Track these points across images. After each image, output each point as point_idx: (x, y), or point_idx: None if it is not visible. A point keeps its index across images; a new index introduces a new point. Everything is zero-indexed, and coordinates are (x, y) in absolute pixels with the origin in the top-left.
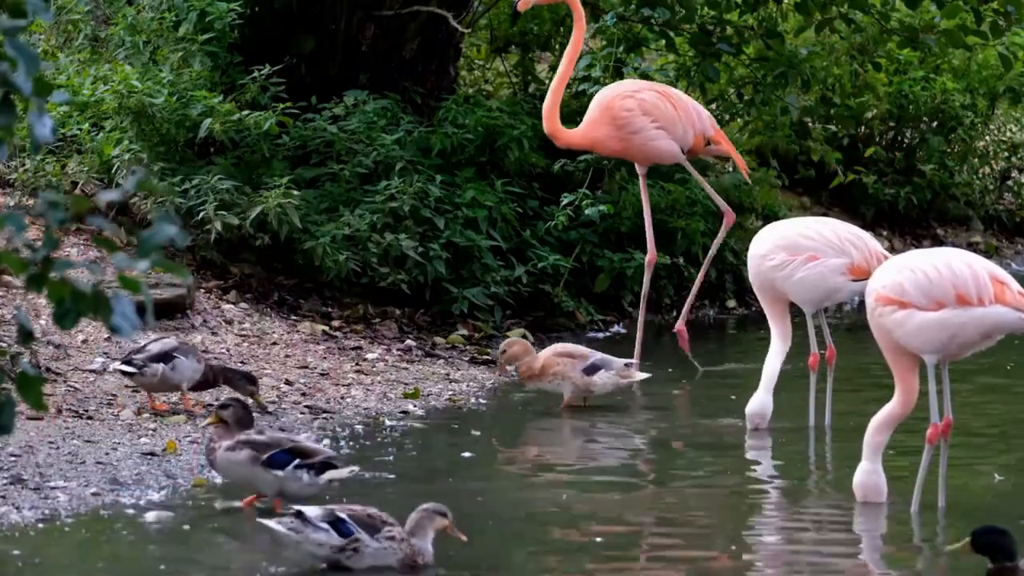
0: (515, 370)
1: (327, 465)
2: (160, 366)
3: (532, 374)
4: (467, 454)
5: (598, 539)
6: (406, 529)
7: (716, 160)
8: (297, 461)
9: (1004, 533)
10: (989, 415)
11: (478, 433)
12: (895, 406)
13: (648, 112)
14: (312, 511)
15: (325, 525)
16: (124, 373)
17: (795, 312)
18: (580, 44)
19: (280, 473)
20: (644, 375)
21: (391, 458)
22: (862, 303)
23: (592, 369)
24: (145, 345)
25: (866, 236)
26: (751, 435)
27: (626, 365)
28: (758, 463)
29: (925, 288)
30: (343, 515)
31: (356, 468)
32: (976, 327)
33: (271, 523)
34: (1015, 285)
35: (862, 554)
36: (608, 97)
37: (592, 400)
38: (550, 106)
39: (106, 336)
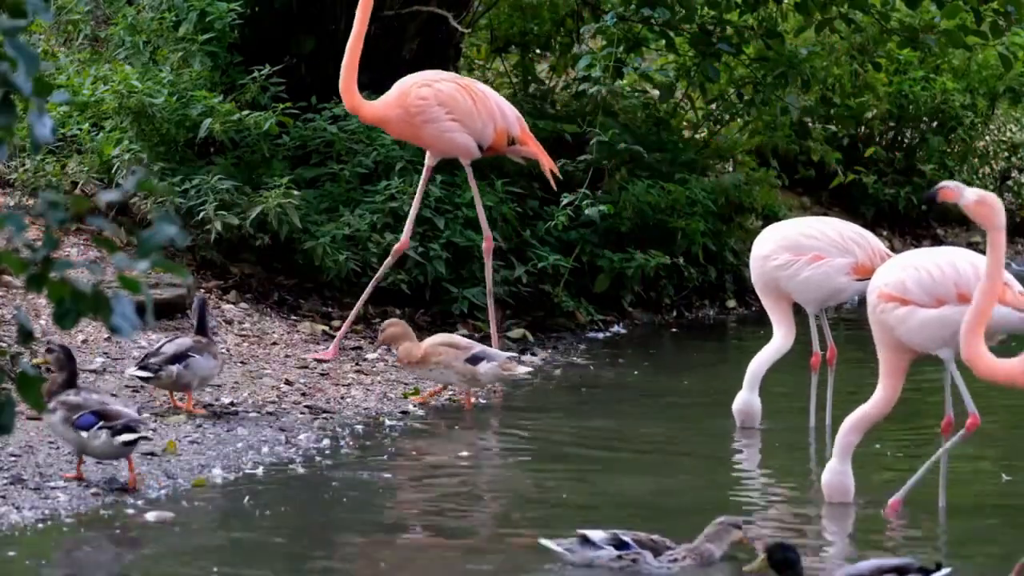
0: (396, 352)
1: (129, 429)
2: (175, 367)
3: (412, 360)
4: (467, 454)
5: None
6: (702, 535)
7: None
8: (101, 423)
9: (795, 550)
10: (998, 414)
11: (478, 433)
12: (871, 407)
13: (444, 103)
14: (596, 534)
15: (606, 545)
16: (141, 379)
17: (796, 311)
18: (367, 14)
19: (84, 434)
20: (527, 369)
21: (391, 458)
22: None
23: (475, 360)
24: (160, 347)
25: (869, 235)
26: (749, 435)
27: (509, 359)
28: (757, 463)
29: (928, 286)
30: (626, 538)
31: (151, 434)
32: None
33: (550, 544)
34: (1016, 286)
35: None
36: (408, 83)
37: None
38: (346, 80)
39: (106, 336)
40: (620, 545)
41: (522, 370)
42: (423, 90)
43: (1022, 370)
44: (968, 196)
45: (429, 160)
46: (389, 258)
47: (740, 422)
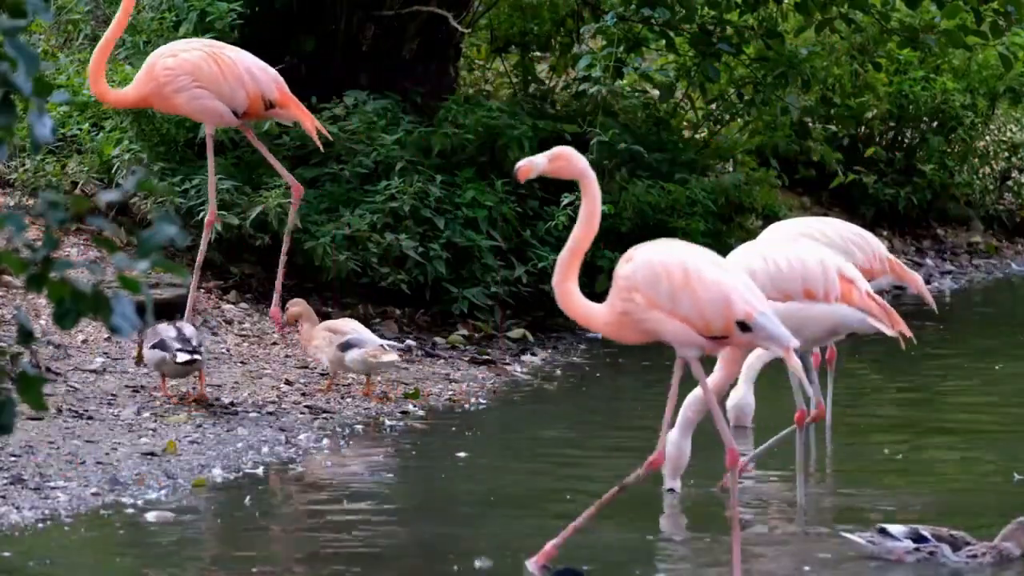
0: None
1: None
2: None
3: (304, 342)
4: (466, 454)
5: (597, 541)
6: (1001, 534)
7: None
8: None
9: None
10: (1012, 414)
11: (478, 433)
12: (710, 387)
13: (189, 72)
14: (896, 528)
15: (904, 538)
16: (190, 362)
17: None
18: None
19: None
20: (394, 357)
21: (391, 458)
22: None
23: (346, 346)
24: (182, 332)
25: (869, 236)
26: (749, 436)
27: (380, 346)
28: (757, 464)
29: (775, 278)
30: (925, 532)
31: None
32: (819, 323)
33: (853, 536)
34: (863, 284)
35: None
36: (155, 57)
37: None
38: (95, 67)
39: (106, 336)
40: (918, 539)
41: (389, 358)
42: (168, 60)
43: (602, 318)
44: (540, 163)
45: (207, 129)
46: (204, 230)
47: (734, 419)
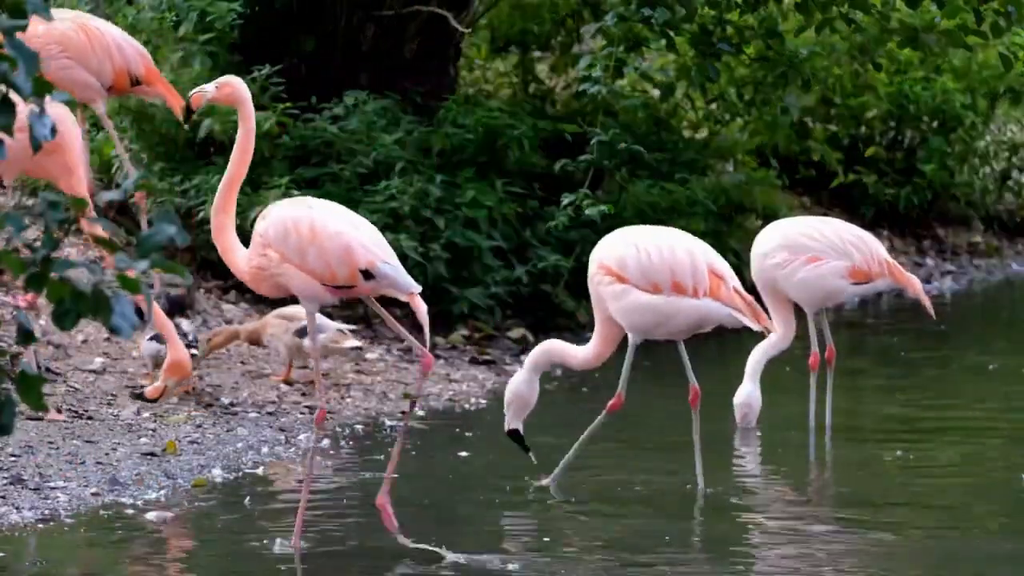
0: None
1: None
2: None
3: (252, 338)
4: (466, 454)
5: (598, 540)
6: None
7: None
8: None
9: None
10: (1013, 414)
11: (478, 433)
12: (582, 360)
13: (58, 42)
14: None
15: None
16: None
17: (797, 311)
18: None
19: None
20: (356, 343)
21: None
22: (863, 304)
23: (301, 332)
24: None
25: (869, 238)
26: (749, 435)
27: (338, 331)
28: (757, 463)
29: (646, 269)
30: None
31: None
32: (686, 317)
33: None
34: (732, 280)
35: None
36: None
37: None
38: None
39: (106, 336)
40: None
41: (350, 343)
42: (39, 28)
43: (241, 266)
44: (209, 90)
45: (99, 108)
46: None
47: (740, 416)
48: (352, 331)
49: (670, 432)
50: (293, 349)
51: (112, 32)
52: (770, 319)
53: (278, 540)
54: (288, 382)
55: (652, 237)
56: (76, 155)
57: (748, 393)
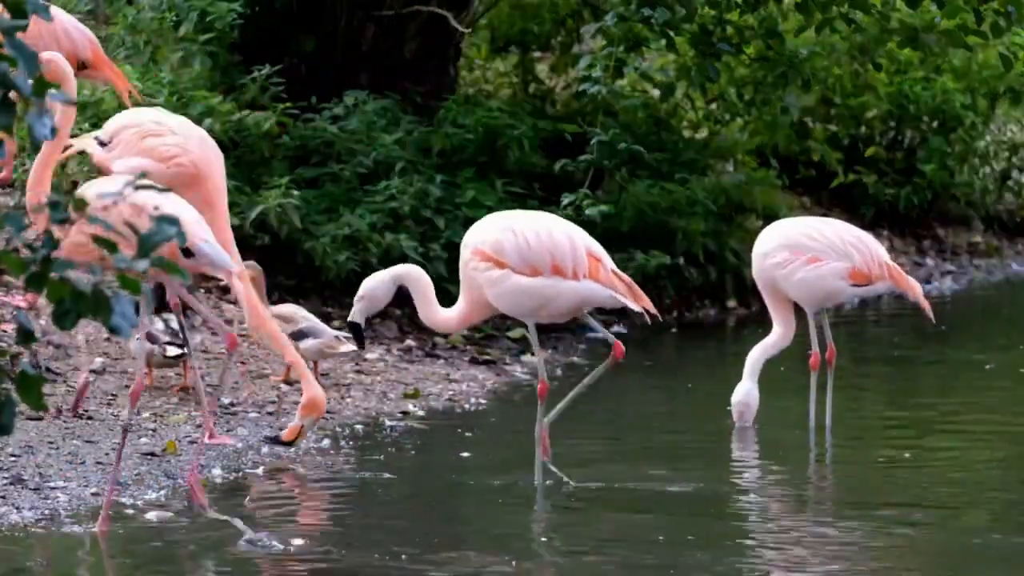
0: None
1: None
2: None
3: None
4: (467, 454)
5: (596, 540)
6: None
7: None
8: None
9: None
10: (1013, 414)
11: (478, 433)
12: (445, 320)
13: None
14: None
15: None
16: (178, 356)
17: (797, 310)
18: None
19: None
20: (351, 347)
21: (391, 458)
22: (863, 304)
23: (298, 335)
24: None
25: (869, 240)
26: (749, 436)
27: (336, 337)
28: (757, 464)
29: (524, 253)
30: None
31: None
32: (567, 299)
33: None
34: (609, 263)
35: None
36: None
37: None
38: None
39: (106, 336)
40: None
41: (345, 348)
42: None
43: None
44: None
45: None
46: None
47: (738, 414)
48: (339, 337)
49: (668, 432)
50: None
51: (60, 16)
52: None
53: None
54: (288, 382)
55: (529, 222)
56: (216, 188)
57: (746, 392)
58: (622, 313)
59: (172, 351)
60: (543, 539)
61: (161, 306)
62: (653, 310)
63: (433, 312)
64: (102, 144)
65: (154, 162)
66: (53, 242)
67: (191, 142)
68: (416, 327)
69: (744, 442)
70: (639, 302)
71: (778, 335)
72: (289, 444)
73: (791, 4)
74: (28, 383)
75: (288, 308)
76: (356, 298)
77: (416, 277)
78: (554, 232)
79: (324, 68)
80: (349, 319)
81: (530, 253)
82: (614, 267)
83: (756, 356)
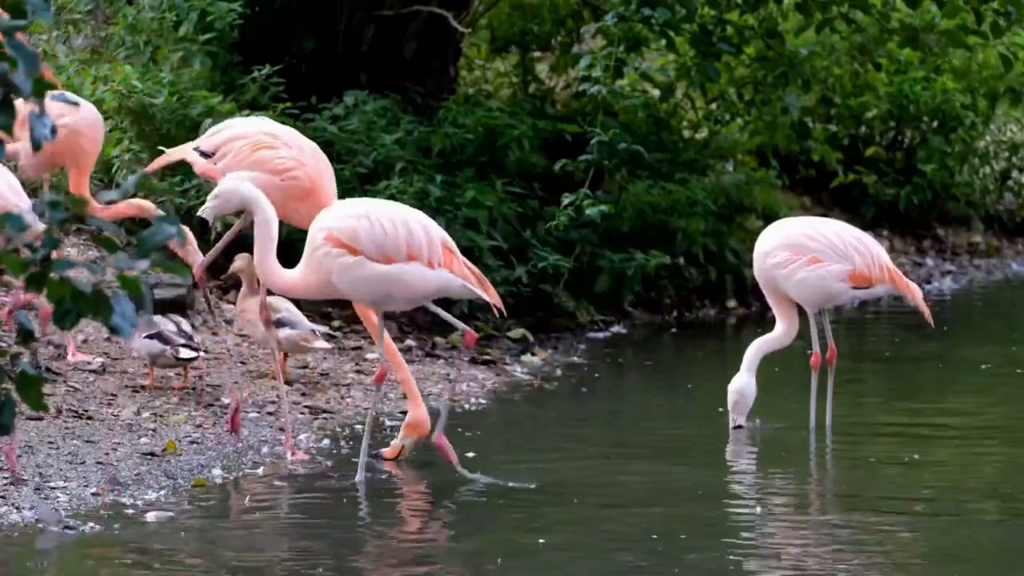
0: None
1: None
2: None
3: (238, 309)
4: (467, 454)
5: (595, 540)
6: None
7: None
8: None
9: None
10: (1013, 414)
11: (478, 433)
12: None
13: None
14: None
15: None
16: (191, 359)
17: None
18: None
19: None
20: (326, 344)
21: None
22: (862, 305)
23: (278, 324)
24: (181, 328)
25: (871, 242)
26: (749, 436)
27: (312, 331)
28: (757, 463)
29: (380, 241)
30: None
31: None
32: (421, 288)
33: None
34: (460, 255)
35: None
36: None
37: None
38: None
39: (106, 336)
40: None
41: (321, 344)
42: None
43: None
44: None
45: None
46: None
47: (732, 402)
48: (330, 335)
49: (668, 432)
50: (268, 339)
51: None
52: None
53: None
54: (288, 381)
55: (384, 210)
56: (327, 203)
57: (744, 383)
58: (623, 313)
59: (186, 353)
60: (541, 540)
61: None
62: (500, 305)
63: (270, 265)
64: (204, 155)
65: (266, 175)
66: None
67: (305, 155)
68: (416, 327)
69: (744, 442)
70: (488, 293)
71: (780, 331)
72: (392, 459)
73: (791, 4)
74: (28, 383)
75: (270, 298)
76: (211, 196)
77: (265, 219)
78: (410, 221)
79: (324, 68)
80: (198, 213)
81: (385, 241)
82: (465, 260)
83: (756, 350)
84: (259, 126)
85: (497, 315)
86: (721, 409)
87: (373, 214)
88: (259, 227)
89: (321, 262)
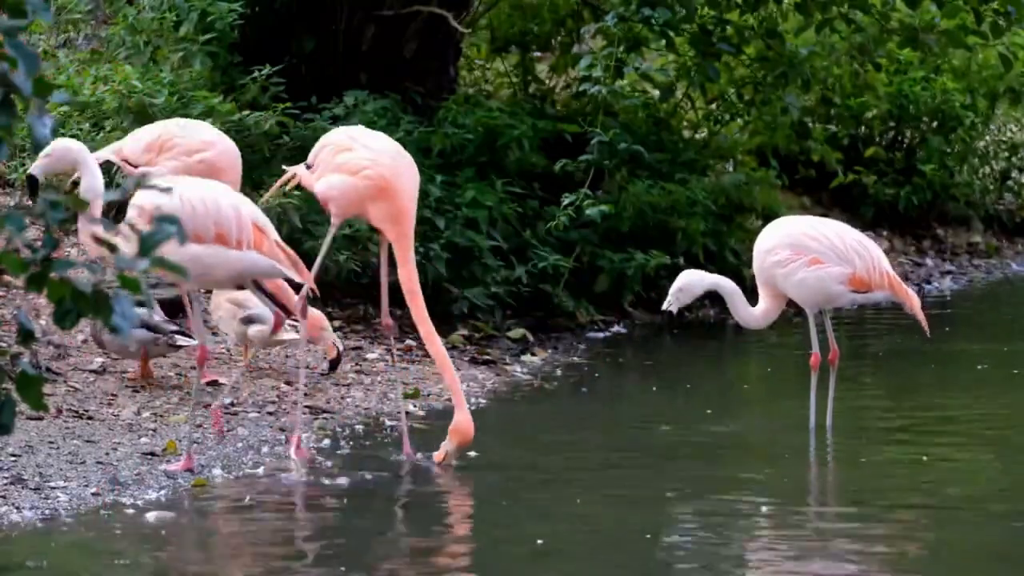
0: None
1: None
2: None
3: (212, 306)
4: (467, 454)
5: (593, 540)
6: None
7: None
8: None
9: None
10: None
11: (478, 433)
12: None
13: None
14: None
15: None
16: (181, 346)
17: (797, 310)
18: None
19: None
20: (295, 336)
21: (391, 458)
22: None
23: (248, 320)
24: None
25: (872, 246)
26: (748, 436)
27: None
28: (757, 464)
29: (187, 219)
30: None
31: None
32: (230, 268)
33: None
34: (274, 235)
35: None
36: None
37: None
38: None
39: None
40: None
41: (290, 336)
42: None
43: None
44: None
45: None
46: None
47: (676, 288)
48: (292, 326)
49: (668, 432)
50: (240, 336)
51: None
52: None
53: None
54: (288, 382)
55: (196, 189)
56: (404, 206)
57: (698, 278)
58: (623, 313)
59: (182, 341)
60: (540, 541)
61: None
62: (314, 286)
63: (92, 228)
64: (308, 167)
65: (347, 176)
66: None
67: (383, 156)
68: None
69: (744, 442)
70: (300, 274)
71: (758, 311)
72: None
73: (791, 4)
74: (28, 383)
75: (240, 293)
76: (42, 153)
77: (89, 186)
78: (220, 200)
79: (324, 68)
80: (28, 171)
81: (195, 220)
82: (278, 239)
83: (733, 286)
84: (344, 132)
85: (310, 295)
86: (721, 409)
87: (186, 194)
88: (83, 192)
89: (129, 236)
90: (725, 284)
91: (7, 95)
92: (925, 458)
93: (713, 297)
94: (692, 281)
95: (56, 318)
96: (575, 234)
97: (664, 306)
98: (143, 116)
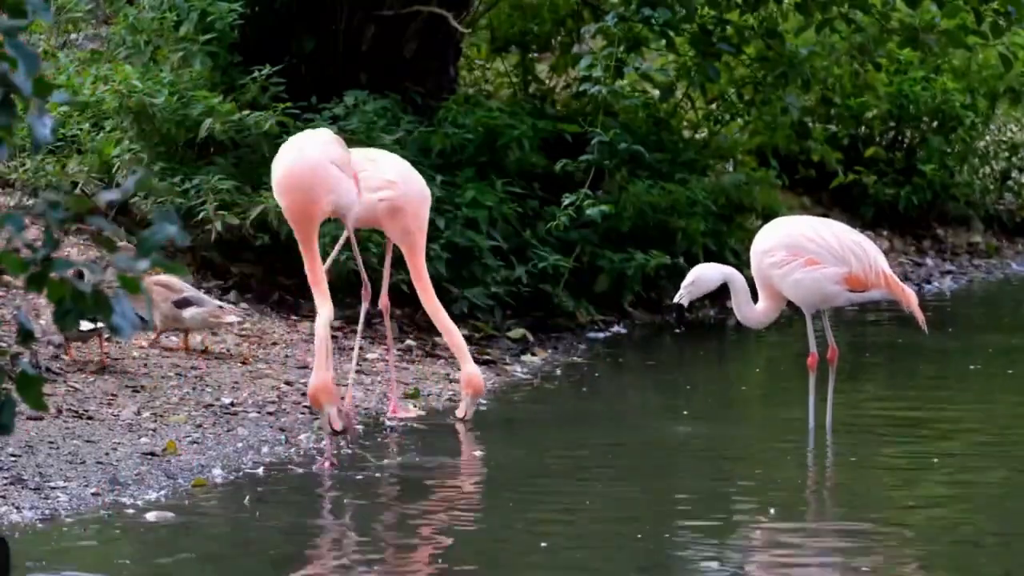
0: None
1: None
2: None
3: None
4: (469, 454)
5: (592, 540)
6: None
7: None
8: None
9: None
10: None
11: (478, 433)
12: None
13: None
14: None
15: None
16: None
17: (796, 310)
18: None
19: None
20: (235, 318)
21: (391, 458)
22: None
23: (184, 303)
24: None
25: (869, 246)
26: (748, 436)
27: (219, 307)
28: (756, 464)
29: None
30: None
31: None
32: None
33: None
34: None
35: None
36: None
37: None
38: None
39: (106, 336)
40: None
41: (230, 319)
42: None
43: None
44: None
45: None
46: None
47: (689, 282)
48: (222, 307)
49: (667, 431)
50: (169, 319)
51: None
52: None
53: None
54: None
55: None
56: (417, 227)
57: (711, 272)
58: (623, 313)
59: (84, 325)
60: (541, 543)
61: None
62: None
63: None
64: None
65: (368, 193)
66: (53, 242)
67: (397, 176)
68: (416, 327)
69: (744, 442)
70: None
71: (759, 309)
72: (463, 420)
73: (791, 4)
74: (28, 383)
75: (168, 277)
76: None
77: None
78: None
79: (324, 68)
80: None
81: None
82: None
83: (741, 280)
84: (363, 154)
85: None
86: (720, 409)
87: None
88: None
89: None
90: (736, 278)
91: (7, 95)
92: (924, 458)
93: (713, 297)
94: (706, 274)
95: (56, 318)
96: (575, 234)
97: (675, 299)
98: (143, 116)
